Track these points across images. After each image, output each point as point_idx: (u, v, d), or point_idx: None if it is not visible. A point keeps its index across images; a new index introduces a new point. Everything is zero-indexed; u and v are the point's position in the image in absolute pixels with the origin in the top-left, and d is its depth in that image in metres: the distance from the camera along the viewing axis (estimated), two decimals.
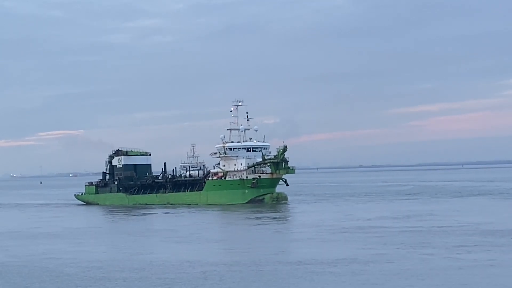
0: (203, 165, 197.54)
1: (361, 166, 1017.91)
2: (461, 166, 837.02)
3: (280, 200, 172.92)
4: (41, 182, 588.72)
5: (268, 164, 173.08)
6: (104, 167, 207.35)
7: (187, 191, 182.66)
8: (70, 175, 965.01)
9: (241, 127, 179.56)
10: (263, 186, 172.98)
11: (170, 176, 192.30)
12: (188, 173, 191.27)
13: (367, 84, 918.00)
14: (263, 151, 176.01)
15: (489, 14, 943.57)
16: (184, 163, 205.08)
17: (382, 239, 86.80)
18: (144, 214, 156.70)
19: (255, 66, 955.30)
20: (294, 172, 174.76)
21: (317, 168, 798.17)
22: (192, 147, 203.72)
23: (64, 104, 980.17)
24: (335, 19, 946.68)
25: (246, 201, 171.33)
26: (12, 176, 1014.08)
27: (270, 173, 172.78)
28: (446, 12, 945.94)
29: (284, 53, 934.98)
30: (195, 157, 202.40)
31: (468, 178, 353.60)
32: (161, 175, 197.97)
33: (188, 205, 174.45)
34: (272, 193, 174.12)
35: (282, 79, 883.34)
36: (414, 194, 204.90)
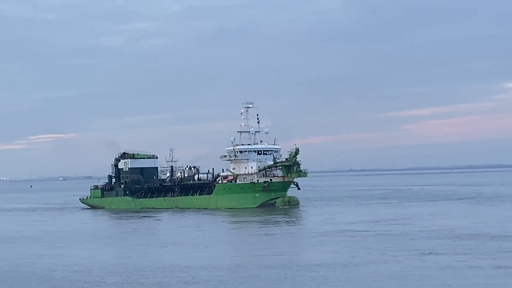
0: (182, 170, 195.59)
1: (351, 170, 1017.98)
2: (451, 170, 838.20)
3: (292, 204, 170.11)
4: (31, 186, 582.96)
5: (280, 167, 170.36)
6: (110, 170, 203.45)
7: (196, 194, 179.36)
8: (60, 178, 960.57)
9: (251, 129, 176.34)
10: (274, 189, 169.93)
11: (178, 179, 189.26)
12: (197, 176, 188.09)
13: (358, 87, 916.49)
14: (274, 154, 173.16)
15: (481, 18, 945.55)
16: (162, 167, 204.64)
17: (370, 243, 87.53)
18: (149, 217, 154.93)
19: (247, 70, 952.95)
20: (306, 176, 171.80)
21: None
22: (170, 152, 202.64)
23: (56, 108, 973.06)
24: (328, 22, 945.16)
25: (257, 205, 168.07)
26: (2, 179, 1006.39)
27: (281, 176, 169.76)
28: (438, 16, 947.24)
29: (276, 56, 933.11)
30: (174, 161, 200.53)
31: (455, 182, 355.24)
32: (169, 178, 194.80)
33: (197, 209, 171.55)
34: (284, 197, 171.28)
35: (274, 82, 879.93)
36: (391, 198, 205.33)
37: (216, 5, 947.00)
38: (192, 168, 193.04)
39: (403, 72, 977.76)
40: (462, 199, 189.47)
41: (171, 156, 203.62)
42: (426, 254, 74.96)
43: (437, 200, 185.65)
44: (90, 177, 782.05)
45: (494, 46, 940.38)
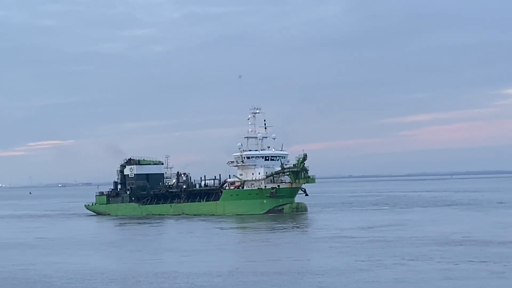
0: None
1: (350, 176, 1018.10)
2: (450, 176, 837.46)
3: (300, 210, 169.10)
4: (30, 193, 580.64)
5: (287, 173, 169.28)
6: (115, 176, 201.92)
7: (203, 201, 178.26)
8: (60, 185, 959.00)
9: (258, 135, 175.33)
10: (282, 195, 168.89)
11: (184, 186, 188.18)
12: (203, 182, 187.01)
13: (358, 93, 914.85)
14: (281, 159, 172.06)
15: (481, 25, 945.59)
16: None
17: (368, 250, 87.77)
18: (154, 224, 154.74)
19: (247, 76, 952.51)
20: (314, 182, 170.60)
21: None
22: (166, 158, 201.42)
23: (55, 114, 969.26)
24: (328, 29, 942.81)
25: (265, 211, 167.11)
26: (1, 186, 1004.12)
27: (289, 182, 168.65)
28: (438, 23, 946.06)
29: (277, 63, 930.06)
30: (169, 168, 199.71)
31: (453, 189, 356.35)
32: (175, 184, 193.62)
33: (204, 215, 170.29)
34: (292, 203, 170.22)
35: (274, 89, 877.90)
36: (388, 204, 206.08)
37: (217, 12, 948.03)
38: (182, 175, 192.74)
39: (403, 78, 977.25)
40: (457, 205, 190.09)
41: (166, 163, 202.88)
42: (420, 260, 75.50)
43: (432, 206, 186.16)
44: (89, 184, 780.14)
45: (494, 52, 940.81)
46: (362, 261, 76.69)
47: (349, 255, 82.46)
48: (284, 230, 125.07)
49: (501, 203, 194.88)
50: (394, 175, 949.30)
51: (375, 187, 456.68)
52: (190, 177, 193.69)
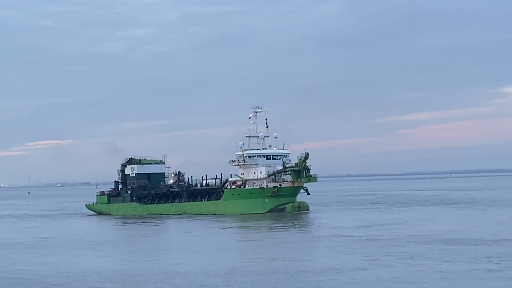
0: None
1: (349, 175, 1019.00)
2: (449, 175, 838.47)
3: (302, 210, 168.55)
4: (29, 193, 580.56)
5: (289, 172, 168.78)
6: (116, 176, 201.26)
7: (204, 200, 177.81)
8: (58, 185, 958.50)
9: (260, 134, 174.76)
10: (284, 195, 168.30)
11: (186, 185, 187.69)
12: (205, 181, 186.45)
13: (356, 93, 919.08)
14: (283, 158, 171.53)
15: (478, 25, 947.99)
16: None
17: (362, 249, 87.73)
18: (155, 223, 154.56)
19: (246, 76, 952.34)
20: (316, 181, 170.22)
21: None
22: (163, 158, 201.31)
23: (54, 114, 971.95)
24: (326, 29, 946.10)
25: (266, 210, 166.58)
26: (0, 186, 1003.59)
27: (291, 181, 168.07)
28: (436, 22, 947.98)
29: (275, 62, 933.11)
30: (167, 167, 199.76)
31: (450, 187, 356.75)
32: (176, 183, 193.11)
33: (206, 215, 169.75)
34: (294, 202, 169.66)
35: (272, 89, 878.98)
36: (386, 203, 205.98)
37: (215, 12, 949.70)
38: (178, 174, 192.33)
39: (401, 77, 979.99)
40: (456, 203, 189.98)
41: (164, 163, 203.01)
42: (418, 259, 75.57)
43: (431, 205, 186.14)
44: (87, 183, 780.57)
45: (492, 51, 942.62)
46: (359, 260, 76.76)
47: (347, 254, 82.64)
48: (283, 229, 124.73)
49: (499, 201, 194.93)
50: (392, 174, 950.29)
51: (373, 186, 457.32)
52: (191, 176, 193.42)
